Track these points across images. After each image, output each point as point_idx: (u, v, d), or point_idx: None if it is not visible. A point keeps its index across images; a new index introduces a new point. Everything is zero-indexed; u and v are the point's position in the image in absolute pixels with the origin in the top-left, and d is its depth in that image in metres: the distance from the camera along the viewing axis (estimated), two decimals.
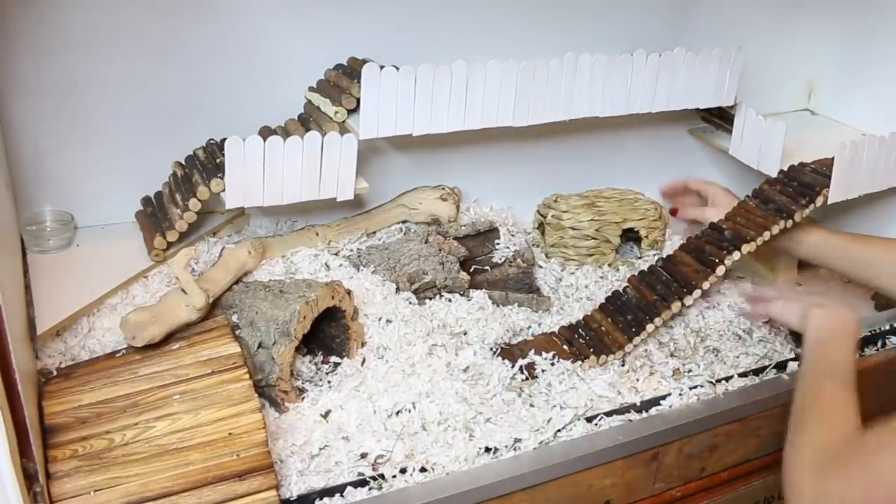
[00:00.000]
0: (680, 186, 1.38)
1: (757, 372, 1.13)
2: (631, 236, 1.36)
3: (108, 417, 0.87)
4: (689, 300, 1.14)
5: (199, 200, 1.09)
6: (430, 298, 1.18)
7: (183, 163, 1.17)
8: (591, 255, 1.32)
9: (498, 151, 1.39)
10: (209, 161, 1.13)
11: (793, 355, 1.16)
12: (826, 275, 1.35)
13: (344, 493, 0.89)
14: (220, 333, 0.97)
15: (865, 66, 1.50)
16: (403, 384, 1.02)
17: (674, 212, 1.38)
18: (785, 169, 1.27)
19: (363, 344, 1.08)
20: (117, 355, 0.96)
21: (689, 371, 1.11)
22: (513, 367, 1.07)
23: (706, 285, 1.15)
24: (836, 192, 1.23)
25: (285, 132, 1.16)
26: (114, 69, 1.11)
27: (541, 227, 1.37)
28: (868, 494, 0.81)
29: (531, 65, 1.16)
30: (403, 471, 0.92)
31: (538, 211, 1.38)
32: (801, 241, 1.21)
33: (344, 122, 1.14)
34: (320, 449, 0.93)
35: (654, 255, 1.35)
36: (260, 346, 0.98)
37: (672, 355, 1.13)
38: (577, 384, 1.07)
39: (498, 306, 1.18)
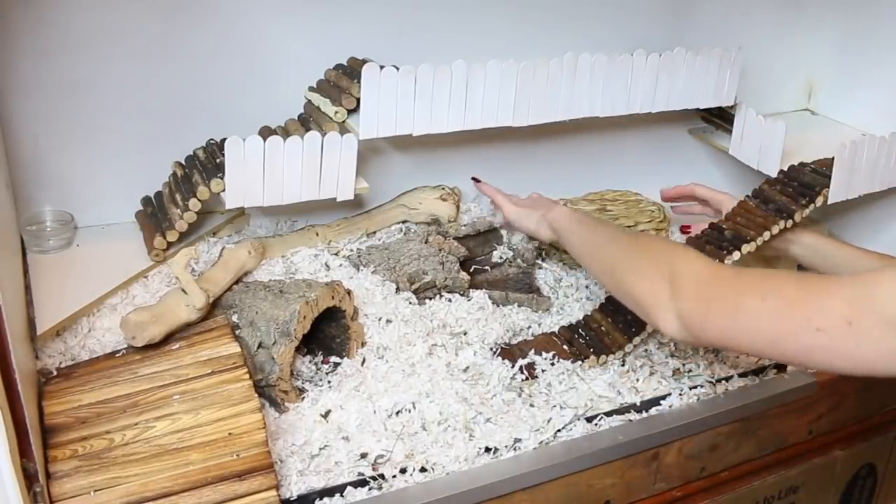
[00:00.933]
0: (686, 192, 1.33)
1: (757, 372, 1.13)
2: None
3: (108, 417, 0.87)
4: None
5: (199, 200, 1.09)
6: (430, 298, 1.18)
7: (183, 163, 1.17)
8: None
9: (498, 151, 1.39)
10: (209, 161, 1.13)
11: None
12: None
13: (344, 493, 0.89)
14: (220, 333, 0.97)
15: (865, 66, 1.50)
16: (403, 384, 1.02)
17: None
18: (785, 169, 1.27)
19: (363, 344, 1.08)
20: (117, 355, 0.96)
21: (689, 371, 1.11)
22: (513, 367, 1.07)
23: None
24: (836, 192, 1.23)
25: (285, 132, 1.16)
26: (114, 69, 1.11)
27: None
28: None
29: (531, 65, 1.16)
30: (403, 471, 0.92)
31: None
32: (794, 241, 1.20)
33: (344, 122, 1.13)
34: (320, 449, 0.93)
35: None
36: (260, 346, 0.98)
37: (672, 355, 1.13)
38: (577, 384, 1.07)
39: (498, 306, 1.18)
